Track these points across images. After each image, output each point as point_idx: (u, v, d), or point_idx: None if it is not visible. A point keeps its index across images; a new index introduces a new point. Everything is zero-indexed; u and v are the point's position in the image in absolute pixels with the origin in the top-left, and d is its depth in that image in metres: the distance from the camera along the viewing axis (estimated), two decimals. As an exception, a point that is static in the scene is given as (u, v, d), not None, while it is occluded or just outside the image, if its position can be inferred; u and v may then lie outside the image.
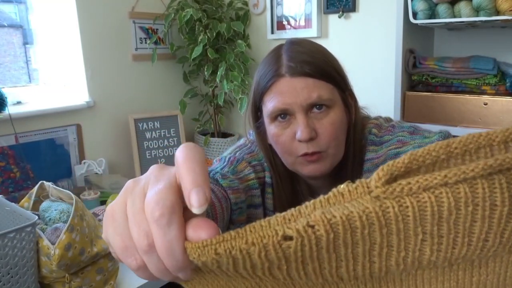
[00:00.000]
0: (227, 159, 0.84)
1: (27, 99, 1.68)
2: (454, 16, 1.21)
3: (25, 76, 1.86)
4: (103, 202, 1.57)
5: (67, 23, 1.70)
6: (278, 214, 0.28)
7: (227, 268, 0.29)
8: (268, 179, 0.83)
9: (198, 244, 0.27)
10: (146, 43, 1.93)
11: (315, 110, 0.72)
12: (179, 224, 0.27)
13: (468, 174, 0.26)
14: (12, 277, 0.92)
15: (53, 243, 0.94)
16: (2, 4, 1.79)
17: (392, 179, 0.28)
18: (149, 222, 0.27)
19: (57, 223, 1.03)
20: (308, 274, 0.30)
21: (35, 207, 1.15)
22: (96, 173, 1.71)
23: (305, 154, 0.71)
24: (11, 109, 1.46)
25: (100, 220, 1.26)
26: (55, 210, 1.07)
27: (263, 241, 0.27)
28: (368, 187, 0.28)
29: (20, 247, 0.92)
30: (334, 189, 0.29)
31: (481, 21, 1.17)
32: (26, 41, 1.85)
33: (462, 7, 1.18)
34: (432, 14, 1.25)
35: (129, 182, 0.31)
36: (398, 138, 0.77)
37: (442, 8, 1.22)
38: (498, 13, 1.14)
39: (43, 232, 0.99)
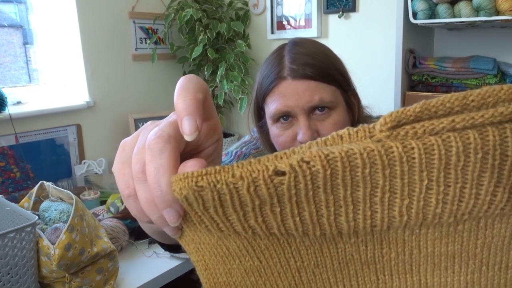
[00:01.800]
0: (233, 153, 0.85)
1: (27, 99, 1.68)
2: (454, 16, 1.21)
3: (25, 76, 1.86)
4: (103, 202, 1.57)
5: (67, 23, 1.70)
6: (269, 155, 0.26)
7: (215, 209, 0.27)
8: None
9: (180, 175, 0.25)
10: (146, 43, 1.93)
11: (317, 112, 0.72)
12: (171, 154, 0.27)
13: (477, 120, 0.25)
14: (12, 277, 0.92)
15: (53, 243, 0.94)
16: (2, 4, 1.79)
17: (398, 127, 0.26)
18: (145, 150, 0.28)
19: (57, 223, 1.03)
20: (305, 222, 0.28)
21: (35, 207, 1.15)
22: (96, 173, 1.71)
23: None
24: (11, 109, 1.47)
25: (100, 220, 1.26)
26: (55, 210, 1.07)
27: (252, 175, 0.25)
28: (370, 132, 0.26)
29: (20, 247, 0.92)
30: (334, 132, 0.28)
31: (481, 21, 1.17)
32: (26, 41, 1.85)
33: (462, 7, 1.18)
34: (432, 14, 1.25)
35: (147, 123, 0.33)
36: None
37: (442, 8, 1.22)
38: (498, 13, 1.14)
39: (43, 232, 0.99)
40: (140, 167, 0.28)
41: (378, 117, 0.86)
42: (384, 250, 0.31)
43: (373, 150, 0.25)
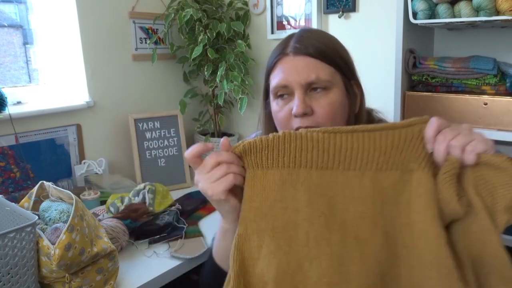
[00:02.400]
0: None
1: (27, 99, 1.68)
2: (454, 16, 1.21)
3: (25, 76, 1.86)
4: (103, 202, 1.57)
5: (67, 23, 1.70)
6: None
7: (261, 148, 0.64)
8: None
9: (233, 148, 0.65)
10: (146, 43, 1.93)
11: (314, 90, 0.76)
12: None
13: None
14: (12, 277, 0.92)
15: (53, 243, 0.94)
16: (2, 4, 1.79)
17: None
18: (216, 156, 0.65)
19: (57, 223, 1.03)
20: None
21: (35, 207, 1.15)
22: (96, 173, 1.71)
23: (299, 128, 0.75)
24: (11, 109, 1.47)
25: (100, 220, 1.26)
26: (55, 210, 1.07)
27: (252, 142, 0.66)
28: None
29: (20, 247, 0.92)
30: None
31: (481, 21, 1.17)
32: (26, 41, 1.85)
33: (462, 7, 1.18)
34: (432, 14, 1.25)
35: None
36: None
37: (442, 8, 1.22)
38: (498, 13, 1.14)
39: (43, 232, 0.99)
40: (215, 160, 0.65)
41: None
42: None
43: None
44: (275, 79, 0.77)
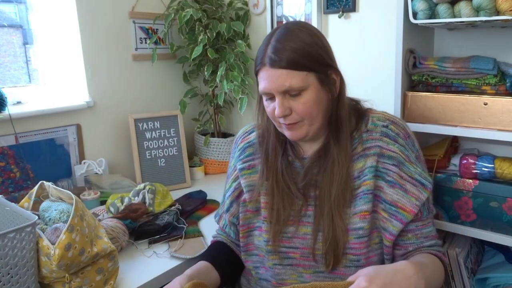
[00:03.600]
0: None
1: (27, 99, 1.68)
2: (454, 16, 1.21)
3: (25, 76, 1.86)
4: (103, 202, 1.57)
5: (67, 23, 1.70)
6: None
7: None
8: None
9: None
10: (146, 43, 1.93)
11: (290, 93, 0.90)
12: None
13: None
14: (12, 277, 0.92)
15: (53, 243, 0.94)
16: (2, 4, 1.79)
17: None
18: None
19: (57, 223, 1.03)
20: None
21: (35, 207, 1.15)
22: (96, 173, 1.71)
23: (284, 123, 0.94)
24: (11, 109, 1.47)
25: (100, 220, 1.26)
26: (55, 210, 1.07)
27: None
28: None
29: (20, 247, 0.92)
30: None
31: (481, 21, 1.17)
32: (26, 41, 1.85)
33: (462, 7, 1.18)
34: (432, 14, 1.25)
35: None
36: (408, 153, 0.96)
37: (442, 8, 1.22)
38: (498, 13, 1.14)
39: (43, 232, 0.99)
40: None
41: (386, 112, 1.03)
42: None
43: None
44: (260, 85, 0.94)
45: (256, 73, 0.95)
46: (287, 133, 0.97)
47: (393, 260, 0.97)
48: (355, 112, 1.01)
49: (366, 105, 1.04)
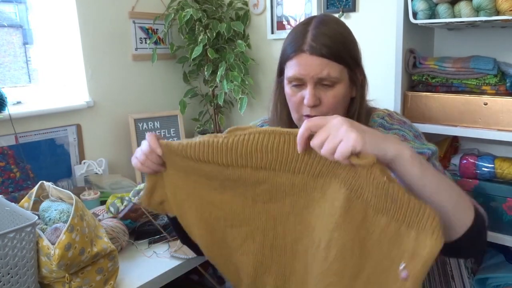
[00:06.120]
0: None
1: (27, 99, 1.68)
2: (454, 16, 1.21)
3: (25, 76, 1.86)
4: (103, 202, 1.57)
5: (67, 23, 1.70)
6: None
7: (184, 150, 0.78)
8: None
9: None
10: (146, 43, 1.93)
11: (323, 83, 0.88)
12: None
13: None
14: (12, 277, 0.92)
15: (53, 243, 0.94)
16: (2, 4, 1.79)
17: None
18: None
19: (57, 223, 1.03)
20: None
21: (35, 207, 1.15)
22: (96, 173, 1.71)
23: (308, 115, 0.90)
24: (11, 109, 1.46)
25: (100, 220, 1.26)
26: (55, 210, 1.07)
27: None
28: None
29: (20, 247, 0.92)
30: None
31: (481, 21, 1.17)
32: (26, 41, 1.85)
33: (462, 7, 1.18)
34: (432, 14, 1.25)
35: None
36: (403, 133, 0.94)
37: (442, 8, 1.22)
38: (498, 13, 1.14)
39: (43, 232, 0.99)
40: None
41: (387, 109, 1.02)
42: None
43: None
44: (292, 70, 0.89)
45: (287, 59, 0.91)
46: None
47: None
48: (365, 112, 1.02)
49: (371, 104, 1.05)
